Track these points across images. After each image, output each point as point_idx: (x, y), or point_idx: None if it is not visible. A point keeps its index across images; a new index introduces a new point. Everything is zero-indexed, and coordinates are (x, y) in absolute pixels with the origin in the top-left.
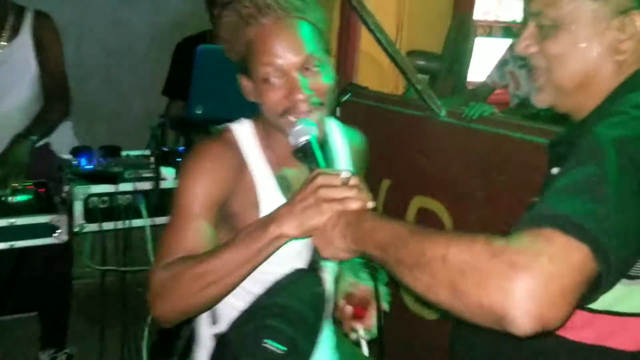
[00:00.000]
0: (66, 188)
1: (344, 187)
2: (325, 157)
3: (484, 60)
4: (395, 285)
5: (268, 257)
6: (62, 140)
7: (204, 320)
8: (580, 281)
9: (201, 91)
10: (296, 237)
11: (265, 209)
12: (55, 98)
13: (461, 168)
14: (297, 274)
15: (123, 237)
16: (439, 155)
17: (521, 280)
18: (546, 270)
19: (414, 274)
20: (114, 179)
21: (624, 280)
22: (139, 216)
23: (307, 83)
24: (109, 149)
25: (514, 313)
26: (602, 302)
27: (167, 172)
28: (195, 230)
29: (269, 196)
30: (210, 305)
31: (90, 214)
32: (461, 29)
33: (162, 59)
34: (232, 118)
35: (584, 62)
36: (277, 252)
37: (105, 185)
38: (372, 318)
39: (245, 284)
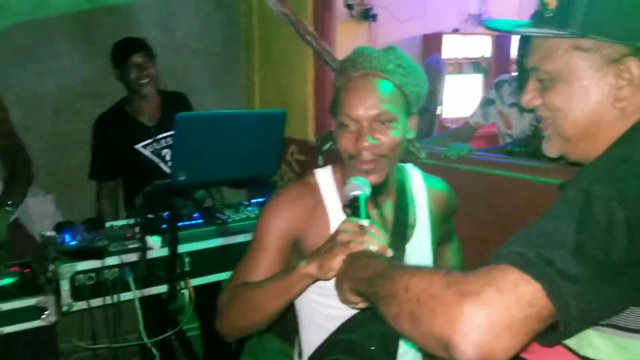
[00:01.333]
0: (51, 267)
1: (358, 233)
2: (396, 201)
3: (456, 96)
4: None
5: (299, 292)
6: (44, 216)
7: (295, 356)
8: (530, 315)
9: (183, 158)
10: (320, 278)
11: None
12: (16, 164)
13: None
14: (368, 313)
15: (112, 312)
16: None
17: (467, 307)
18: (493, 301)
19: (385, 306)
20: (99, 253)
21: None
22: (127, 289)
23: (373, 134)
24: (93, 222)
25: (458, 340)
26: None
27: (153, 241)
28: (263, 259)
29: None
30: (256, 327)
31: (77, 292)
32: (430, 69)
33: None
34: (214, 180)
35: (585, 112)
36: None
37: (91, 261)
38: None
39: (321, 321)
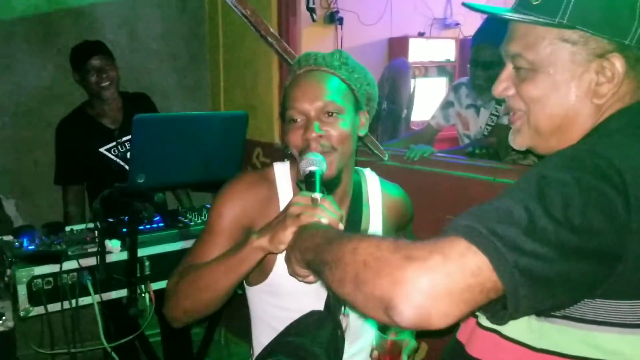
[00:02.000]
0: (8, 272)
1: (309, 206)
2: (350, 204)
3: (422, 99)
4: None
5: (250, 267)
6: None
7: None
8: (472, 285)
9: (141, 160)
10: (271, 251)
11: None
12: None
13: None
14: (316, 316)
15: (71, 317)
16: None
17: (411, 270)
18: (437, 266)
19: (331, 270)
20: (57, 258)
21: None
22: (87, 293)
23: (320, 125)
24: (52, 226)
25: (399, 302)
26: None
27: (112, 245)
28: (215, 245)
29: None
30: (206, 308)
31: (35, 297)
32: (395, 71)
33: None
34: (174, 183)
35: (562, 105)
36: (293, 288)
37: (48, 265)
38: None
39: (271, 322)
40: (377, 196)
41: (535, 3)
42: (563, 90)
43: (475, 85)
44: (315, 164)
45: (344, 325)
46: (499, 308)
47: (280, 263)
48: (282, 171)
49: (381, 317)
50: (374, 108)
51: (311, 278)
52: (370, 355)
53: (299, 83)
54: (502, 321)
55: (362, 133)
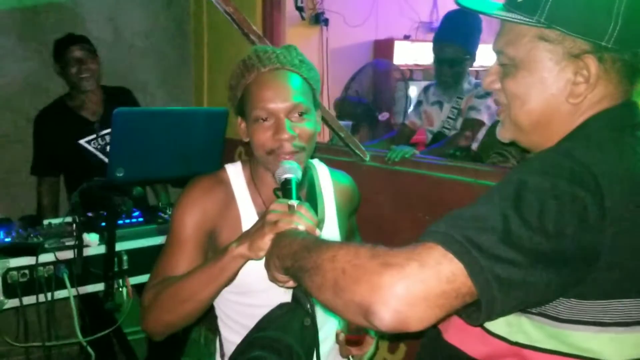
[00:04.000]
0: None
1: (286, 213)
2: (307, 196)
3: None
4: None
5: (231, 276)
6: None
7: (217, 356)
8: (447, 292)
9: (120, 154)
10: (251, 257)
11: None
12: None
13: (389, 210)
14: (285, 308)
15: (46, 311)
16: (366, 198)
17: (388, 276)
18: (414, 273)
19: (310, 277)
20: (33, 250)
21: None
22: (63, 287)
23: (291, 126)
24: (29, 219)
25: (377, 307)
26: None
27: (90, 238)
28: (183, 255)
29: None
30: (188, 319)
31: (9, 289)
32: (378, 73)
33: None
34: (153, 178)
35: (539, 103)
36: (262, 285)
37: (24, 257)
38: (366, 346)
39: (242, 320)
40: (329, 185)
41: (519, 1)
42: (540, 87)
43: (442, 82)
44: (291, 171)
45: (313, 312)
46: (474, 309)
47: (248, 263)
48: (235, 172)
49: (361, 321)
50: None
51: (291, 283)
52: (337, 338)
53: (265, 82)
54: (477, 322)
55: (318, 130)
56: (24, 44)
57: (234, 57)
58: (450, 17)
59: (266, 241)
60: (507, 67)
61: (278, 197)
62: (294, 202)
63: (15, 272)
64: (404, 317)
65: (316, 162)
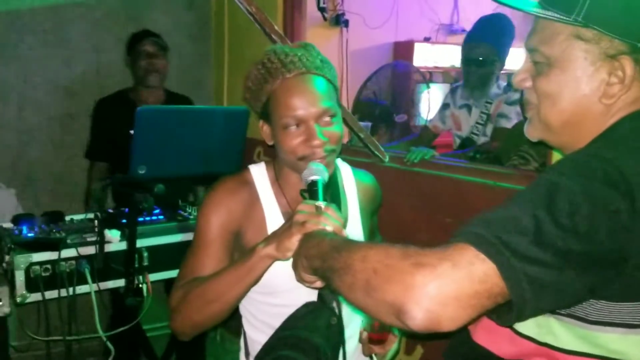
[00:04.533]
0: (7, 258)
1: (313, 214)
2: (330, 196)
3: (426, 104)
4: None
5: (258, 276)
6: (5, 209)
7: (241, 355)
8: (479, 292)
9: (143, 151)
10: (278, 258)
11: None
12: None
13: (408, 211)
14: (311, 307)
15: (67, 305)
16: (385, 199)
17: (421, 276)
18: (446, 273)
19: (340, 277)
20: (55, 245)
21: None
22: (85, 282)
23: (322, 131)
24: (52, 214)
25: (410, 306)
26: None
27: (112, 235)
28: (209, 255)
29: (275, 227)
30: (215, 320)
31: (32, 283)
32: (398, 74)
33: None
34: (175, 176)
35: (572, 103)
36: (288, 285)
37: (47, 252)
38: (389, 344)
39: (267, 320)
40: (352, 184)
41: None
42: (574, 87)
43: (468, 83)
44: (318, 173)
45: (338, 311)
46: (505, 310)
47: (275, 263)
48: (259, 173)
49: (393, 321)
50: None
51: (318, 283)
52: (360, 337)
53: (292, 89)
54: (508, 323)
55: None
56: (48, 42)
57: (255, 57)
58: (483, 19)
59: (294, 242)
60: (540, 65)
61: (305, 198)
62: (321, 203)
63: (37, 267)
64: (436, 317)
65: (339, 162)
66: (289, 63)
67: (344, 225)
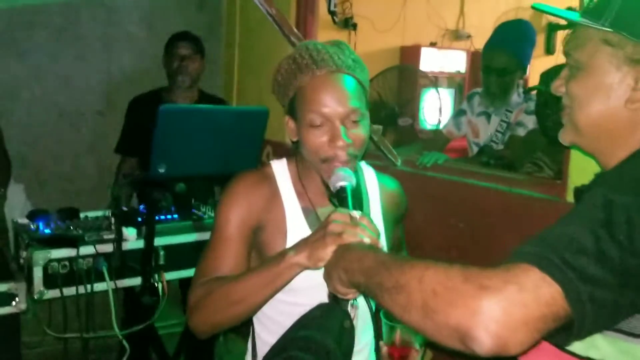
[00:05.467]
0: (24, 254)
1: (349, 224)
2: (356, 202)
3: (431, 109)
4: None
5: (286, 282)
6: (14, 205)
7: (247, 357)
8: (546, 315)
9: (163, 150)
10: (309, 267)
11: (291, 241)
12: None
13: (420, 216)
14: (324, 308)
15: (85, 302)
16: None
17: (487, 301)
18: (513, 297)
19: (392, 296)
20: (74, 242)
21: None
22: (102, 279)
23: (347, 132)
24: (67, 211)
25: (477, 331)
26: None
27: (129, 233)
28: (229, 251)
29: (296, 229)
30: (236, 321)
31: (50, 280)
32: (406, 78)
33: (114, 117)
34: (193, 175)
35: (598, 106)
36: (304, 284)
37: (65, 249)
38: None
39: (279, 318)
40: (375, 188)
41: (589, 7)
42: (599, 91)
43: (489, 93)
44: (346, 179)
45: (352, 316)
46: (559, 330)
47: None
48: (280, 169)
49: (455, 344)
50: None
51: (351, 295)
52: (378, 350)
53: (321, 86)
54: (565, 343)
55: (369, 133)
56: (59, 39)
57: (265, 59)
58: (503, 26)
59: (328, 252)
60: (573, 70)
61: (335, 205)
62: (356, 213)
63: (56, 263)
64: (504, 342)
65: (363, 165)
66: (320, 60)
67: (379, 236)
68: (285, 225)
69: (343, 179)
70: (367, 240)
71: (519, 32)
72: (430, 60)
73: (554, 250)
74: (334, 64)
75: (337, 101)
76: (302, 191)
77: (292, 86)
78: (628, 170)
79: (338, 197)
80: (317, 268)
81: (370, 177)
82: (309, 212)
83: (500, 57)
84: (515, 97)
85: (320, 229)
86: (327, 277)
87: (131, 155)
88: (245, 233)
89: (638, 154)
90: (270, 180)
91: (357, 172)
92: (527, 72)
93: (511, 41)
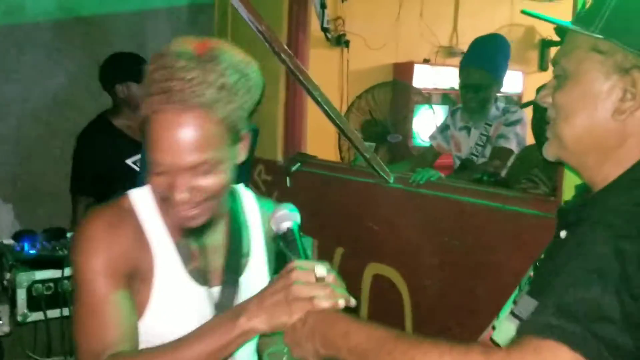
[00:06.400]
0: (8, 275)
1: (318, 285)
2: (229, 226)
3: (424, 126)
4: None
5: (237, 349)
6: (2, 225)
7: None
8: None
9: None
10: (266, 332)
11: (160, 278)
12: None
13: (413, 233)
14: None
15: (69, 324)
16: (390, 221)
17: None
18: None
19: None
20: (59, 263)
21: None
22: None
23: (189, 184)
24: (54, 231)
25: None
26: None
27: None
28: (110, 312)
29: (167, 264)
30: None
31: (34, 302)
32: (398, 95)
33: None
34: None
35: (584, 118)
36: (181, 315)
37: (50, 270)
38: None
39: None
40: (257, 216)
41: (581, 14)
42: (587, 101)
43: (467, 108)
44: (289, 217)
45: None
46: None
47: (153, 306)
48: (141, 200)
49: None
50: (255, 110)
51: None
52: None
53: (162, 129)
54: None
55: (243, 158)
56: (50, 57)
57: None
58: (477, 42)
59: (294, 319)
60: (560, 79)
61: (285, 254)
62: (321, 270)
63: (40, 285)
64: None
65: (241, 188)
66: (167, 90)
67: (244, 259)
68: (153, 265)
69: (287, 218)
70: (341, 303)
71: (492, 47)
72: (424, 77)
73: (578, 321)
74: (182, 99)
75: (178, 153)
76: (169, 221)
77: (143, 105)
78: (626, 211)
79: (285, 242)
80: (275, 333)
81: (249, 202)
82: (181, 244)
83: (475, 74)
84: (494, 111)
85: (278, 288)
86: (295, 344)
87: (89, 194)
88: (118, 282)
89: (630, 184)
90: (130, 215)
91: (234, 198)
92: (503, 85)
93: (485, 57)
